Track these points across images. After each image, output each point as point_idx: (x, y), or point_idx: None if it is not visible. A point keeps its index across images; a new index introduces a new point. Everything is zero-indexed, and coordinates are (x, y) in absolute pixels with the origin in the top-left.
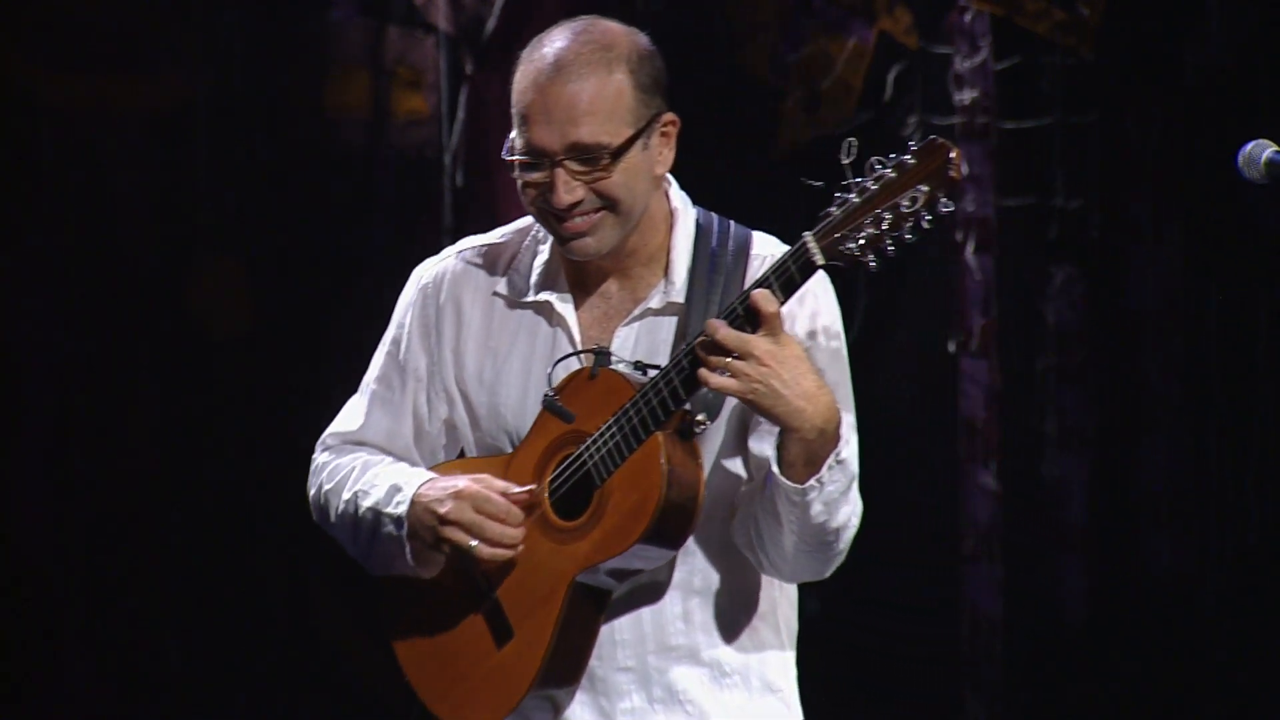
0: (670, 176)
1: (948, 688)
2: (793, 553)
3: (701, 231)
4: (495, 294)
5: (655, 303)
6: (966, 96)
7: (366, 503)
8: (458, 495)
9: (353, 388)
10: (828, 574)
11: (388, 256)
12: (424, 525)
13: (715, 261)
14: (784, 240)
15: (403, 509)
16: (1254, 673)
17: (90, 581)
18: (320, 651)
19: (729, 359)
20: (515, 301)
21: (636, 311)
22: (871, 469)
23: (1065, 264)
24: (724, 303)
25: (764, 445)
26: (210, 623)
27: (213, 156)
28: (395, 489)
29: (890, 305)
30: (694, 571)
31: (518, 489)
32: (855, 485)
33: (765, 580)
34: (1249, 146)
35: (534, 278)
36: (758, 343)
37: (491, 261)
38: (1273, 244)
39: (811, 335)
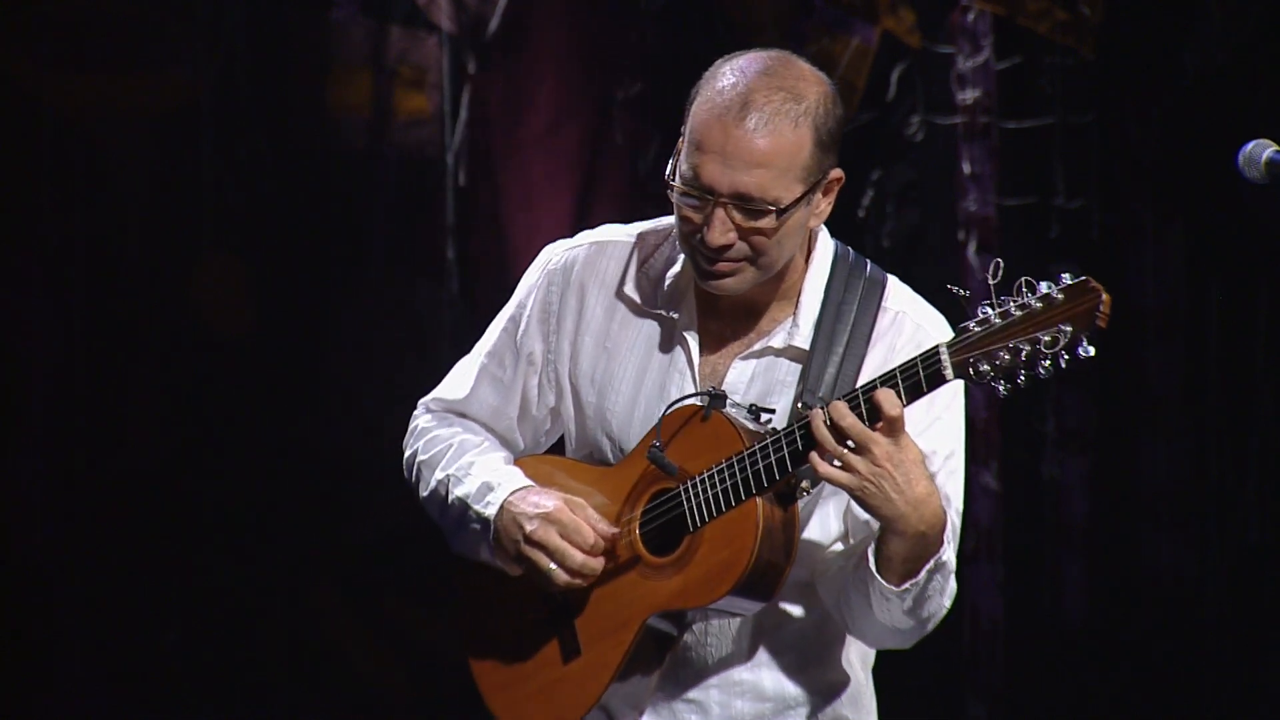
0: None
1: (948, 687)
2: (879, 631)
3: (836, 271)
4: (621, 295)
5: (778, 342)
6: (969, 96)
7: (457, 491)
8: (547, 518)
9: (354, 386)
10: (910, 645)
11: (390, 255)
12: (509, 536)
13: (843, 310)
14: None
15: (490, 511)
16: (1254, 672)
17: (91, 580)
18: (320, 651)
19: (845, 450)
20: (639, 307)
21: (757, 347)
22: None
23: (1066, 263)
24: (846, 354)
25: (865, 512)
26: (211, 622)
27: (216, 155)
28: (487, 488)
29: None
30: (766, 610)
31: (607, 526)
32: (952, 576)
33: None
34: (1249, 146)
35: (663, 288)
36: (878, 441)
37: (623, 259)
38: (1273, 244)
39: (931, 416)
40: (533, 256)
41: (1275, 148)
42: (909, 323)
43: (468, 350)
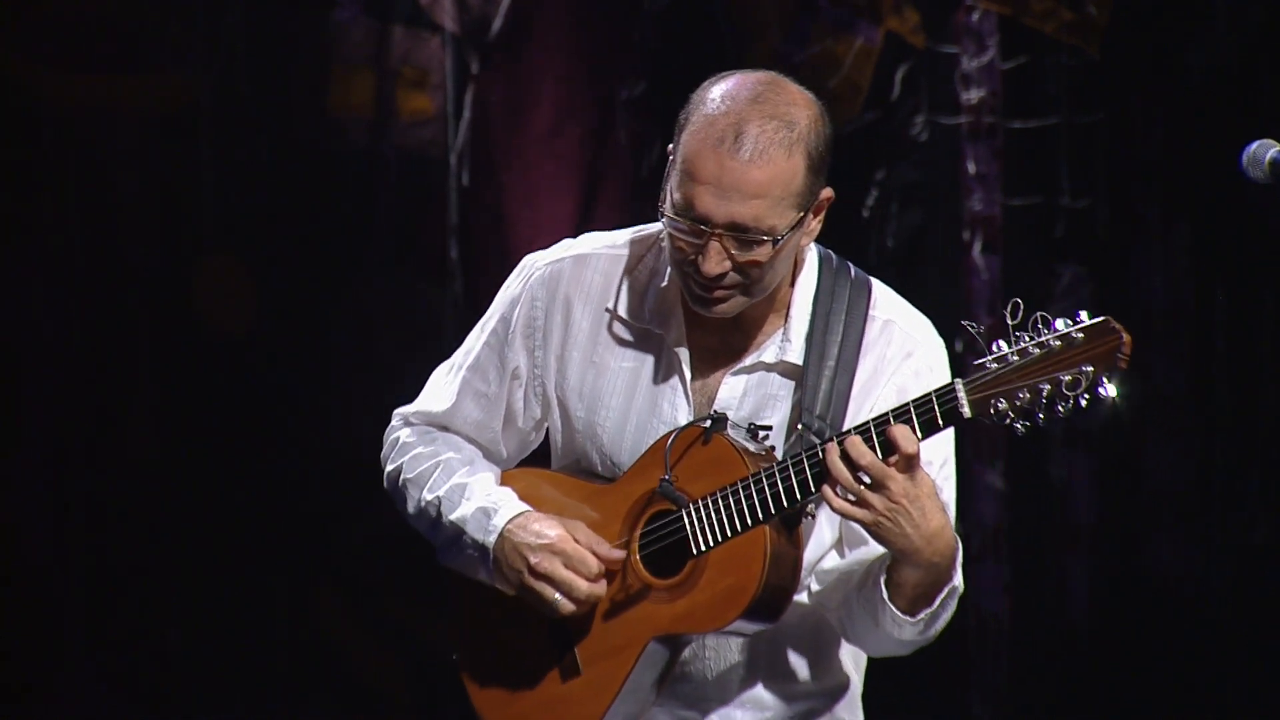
0: None
1: (953, 687)
2: (883, 644)
3: (822, 279)
4: (607, 309)
5: (769, 356)
6: (974, 96)
7: (452, 515)
8: (551, 549)
9: (356, 387)
10: (910, 653)
11: (392, 256)
12: (510, 566)
13: (832, 320)
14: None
15: (490, 540)
16: (1258, 672)
17: (91, 580)
18: (321, 651)
19: (860, 487)
20: (626, 322)
21: (748, 362)
22: None
23: (1072, 263)
24: (839, 367)
25: (879, 544)
26: (212, 622)
27: (216, 156)
28: (484, 514)
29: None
30: None
31: (609, 550)
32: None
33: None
34: (1253, 146)
35: (649, 303)
36: (895, 478)
37: (608, 271)
38: (1277, 244)
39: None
40: None
41: (1279, 148)
42: (898, 331)
43: None
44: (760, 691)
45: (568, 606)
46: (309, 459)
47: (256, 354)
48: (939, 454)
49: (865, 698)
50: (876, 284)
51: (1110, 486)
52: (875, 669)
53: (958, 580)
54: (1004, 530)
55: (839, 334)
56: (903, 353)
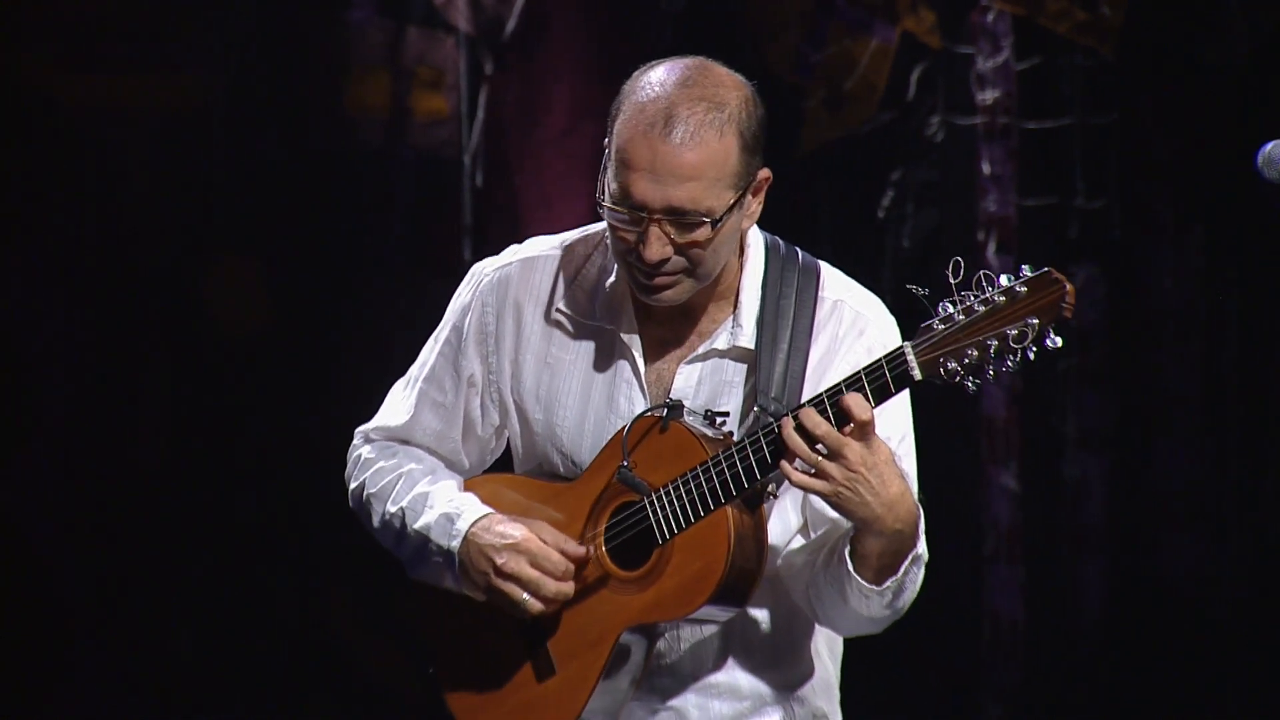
0: None
1: (967, 688)
2: (853, 622)
3: (770, 265)
4: (557, 309)
5: (721, 343)
6: (988, 96)
7: (415, 524)
8: (516, 548)
9: (365, 387)
10: (881, 630)
11: (406, 256)
12: (477, 569)
13: (782, 304)
14: (823, 256)
15: (455, 544)
16: (1273, 673)
17: (101, 579)
18: (329, 650)
19: (818, 458)
20: (577, 320)
21: (701, 350)
22: None
23: (1086, 264)
24: (792, 349)
25: (825, 505)
26: (219, 621)
27: (230, 156)
28: (448, 519)
29: (911, 307)
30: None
31: (575, 546)
32: (923, 563)
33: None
34: (1269, 147)
35: (599, 300)
36: (851, 446)
37: (555, 272)
38: None
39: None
40: None
41: None
42: (848, 310)
43: None
44: (736, 681)
45: (536, 606)
46: (319, 459)
47: (268, 354)
48: (897, 429)
49: (877, 699)
50: (825, 266)
51: (1123, 487)
52: (886, 670)
53: (921, 548)
54: (1018, 531)
55: (790, 317)
56: (855, 331)
